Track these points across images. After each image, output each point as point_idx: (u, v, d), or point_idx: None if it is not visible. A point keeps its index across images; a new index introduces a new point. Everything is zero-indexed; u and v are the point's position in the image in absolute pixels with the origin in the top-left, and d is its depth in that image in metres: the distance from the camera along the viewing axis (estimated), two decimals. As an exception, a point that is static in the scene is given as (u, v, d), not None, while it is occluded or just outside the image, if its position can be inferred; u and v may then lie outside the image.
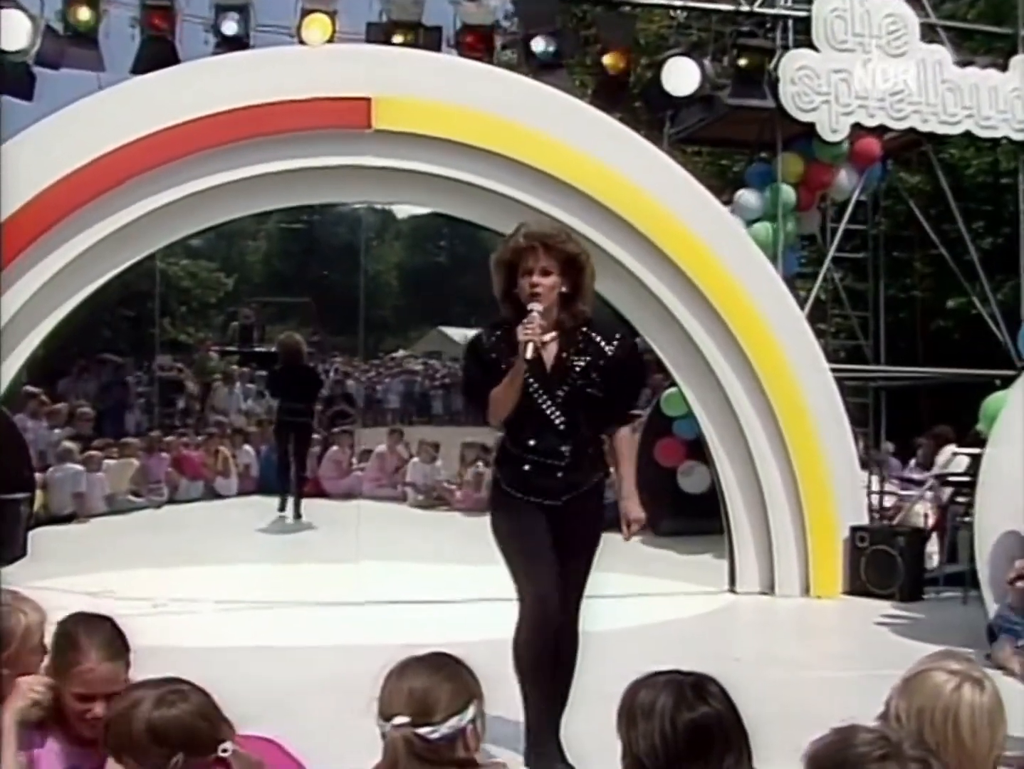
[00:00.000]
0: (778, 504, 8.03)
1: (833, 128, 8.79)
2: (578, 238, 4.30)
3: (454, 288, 34.25)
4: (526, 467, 4.08)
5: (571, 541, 4.12)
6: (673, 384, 8.88)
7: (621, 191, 7.80)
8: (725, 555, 8.26)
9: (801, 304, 8.67)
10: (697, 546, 9.49)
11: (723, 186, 12.53)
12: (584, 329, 4.15)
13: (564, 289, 4.09)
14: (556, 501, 4.08)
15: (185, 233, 7.92)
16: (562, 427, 4.07)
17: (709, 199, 8.20)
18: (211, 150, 7.37)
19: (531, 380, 4.06)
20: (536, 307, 3.98)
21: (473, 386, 4.22)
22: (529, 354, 3.92)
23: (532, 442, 4.07)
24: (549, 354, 4.09)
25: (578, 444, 4.10)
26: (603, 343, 4.15)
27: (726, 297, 7.95)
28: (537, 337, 3.94)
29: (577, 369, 4.08)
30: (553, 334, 4.07)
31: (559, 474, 4.08)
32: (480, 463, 12.58)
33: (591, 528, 4.19)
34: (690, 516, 9.82)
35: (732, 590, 8.13)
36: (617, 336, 4.21)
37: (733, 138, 10.07)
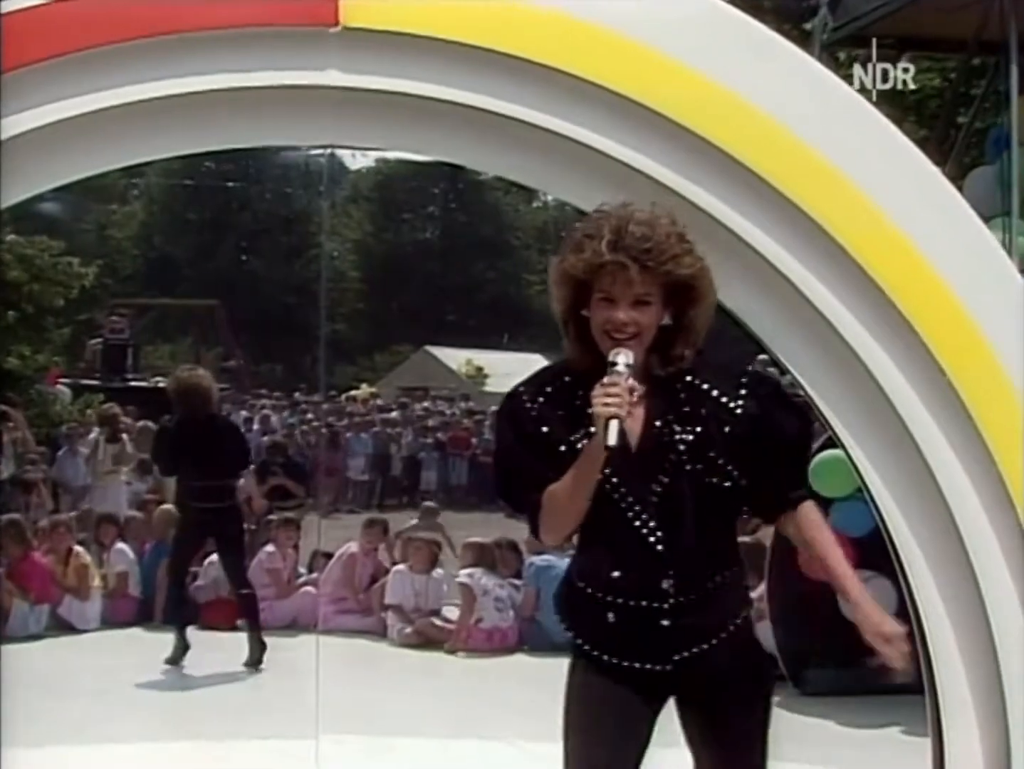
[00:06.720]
0: (1016, 649, 7.85)
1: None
2: (692, 240, 4.40)
3: (450, 284, 34.24)
4: (610, 615, 4.12)
5: (714, 721, 4.23)
6: (832, 445, 8.79)
7: (757, 132, 7.59)
8: (927, 729, 8.10)
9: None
10: (874, 714, 9.57)
11: (901, 117, 12.48)
12: (688, 379, 4.22)
13: (667, 321, 4.20)
14: (663, 665, 4.15)
15: (28, 193, 7.77)
16: (660, 547, 4.10)
17: (913, 152, 8.05)
18: (73, 55, 7.17)
19: (606, 470, 4.07)
20: (624, 359, 4.03)
21: (512, 477, 4.19)
22: (612, 439, 3.88)
23: (616, 574, 4.12)
24: (634, 423, 4.13)
25: (690, 571, 4.17)
26: (723, 397, 4.24)
27: (932, 311, 7.75)
28: (625, 409, 3.94)
29: (682, 447, 4.12)
30: (639, 389, 4.10)
31: (664, 622, 4.13)
32: (474, 570, 12.65)
33: (742, 698, 4.29)
34: (861, 664, 9.72)
35: (941, 784, 8.13)
36: (744, 379, 4.32)
37: (931, 36, 10.05)
